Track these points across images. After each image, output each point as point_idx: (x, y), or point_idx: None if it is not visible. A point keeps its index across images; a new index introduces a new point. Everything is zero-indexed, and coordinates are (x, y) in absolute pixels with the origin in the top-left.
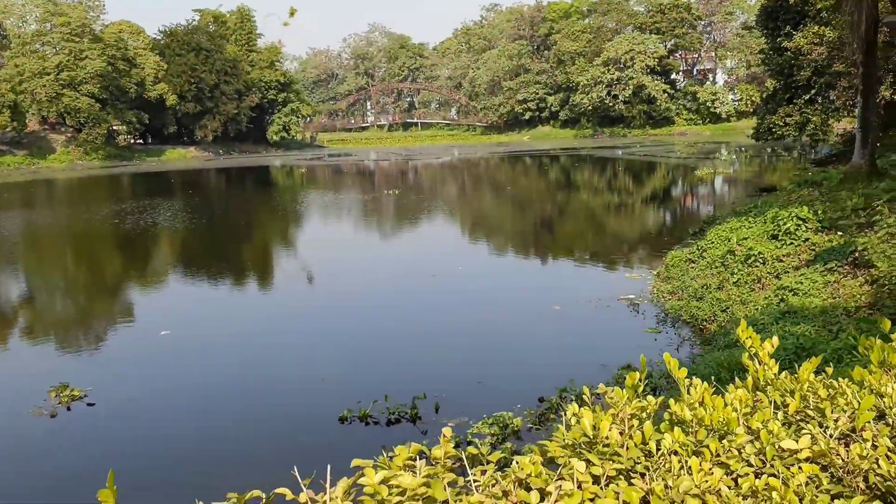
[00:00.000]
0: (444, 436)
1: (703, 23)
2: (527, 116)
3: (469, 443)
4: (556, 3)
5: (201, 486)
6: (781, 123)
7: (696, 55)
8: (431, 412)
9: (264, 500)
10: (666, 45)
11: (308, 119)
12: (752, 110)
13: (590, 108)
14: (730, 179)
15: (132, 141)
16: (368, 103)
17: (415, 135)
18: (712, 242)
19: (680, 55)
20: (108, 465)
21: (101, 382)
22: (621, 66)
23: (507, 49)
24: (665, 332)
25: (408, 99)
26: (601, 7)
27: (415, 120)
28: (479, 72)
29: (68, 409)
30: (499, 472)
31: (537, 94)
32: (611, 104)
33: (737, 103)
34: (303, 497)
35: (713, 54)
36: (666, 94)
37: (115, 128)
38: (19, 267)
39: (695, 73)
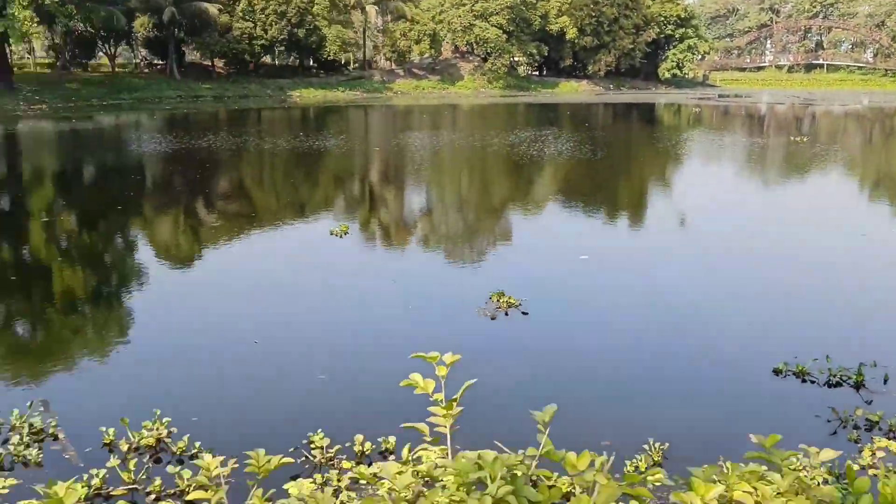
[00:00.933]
0: None
1: None
2: None
3: None
4: None
5: (648, 407)
6: None
7: None
8: (879, 382)
9: None
10: None
11: (702, 57)
12: None
13: None
14: None
15: (530, 72)
16: (769, 42)
17: (819, 77)
18: None
19: None
20: (547, 370)
21: (532, 294)
22: None
23: None
24: None
25: (815, 38)
26: None
27: (820, 61)
28: None
29: (506, 314)
30: None
31: None
32: None
33: None
34: None
35: None
36: None
37: (516, 59)
38: (452, 183)
39: None
